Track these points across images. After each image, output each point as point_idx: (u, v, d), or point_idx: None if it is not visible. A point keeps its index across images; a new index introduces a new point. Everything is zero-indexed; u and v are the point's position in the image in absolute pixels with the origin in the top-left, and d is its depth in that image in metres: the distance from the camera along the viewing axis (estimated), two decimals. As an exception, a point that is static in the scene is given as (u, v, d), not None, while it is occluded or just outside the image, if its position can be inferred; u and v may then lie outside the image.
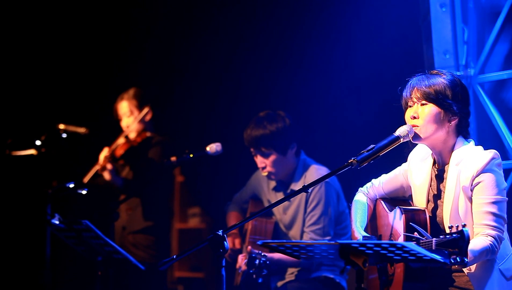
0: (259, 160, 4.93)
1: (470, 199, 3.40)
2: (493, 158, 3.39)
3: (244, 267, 4.63)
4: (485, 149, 3.47)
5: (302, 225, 4.89)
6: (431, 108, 3.44)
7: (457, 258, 3.02)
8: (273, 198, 5.03)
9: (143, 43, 6.78)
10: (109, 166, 5.64)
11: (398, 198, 3.75)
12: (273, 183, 5.06)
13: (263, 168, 4.92)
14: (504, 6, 4.64)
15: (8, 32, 6.70)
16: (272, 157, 4.88)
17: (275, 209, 5.00)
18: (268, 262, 4.41)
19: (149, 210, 5.78)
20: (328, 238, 4.79)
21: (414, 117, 3.47)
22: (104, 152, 5.70)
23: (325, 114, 5.87)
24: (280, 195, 5.00)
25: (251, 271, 4.42)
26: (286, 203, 4.92)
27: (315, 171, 4.90)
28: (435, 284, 3.45)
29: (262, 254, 4.40)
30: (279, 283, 4.93)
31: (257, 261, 4.42)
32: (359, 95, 5.61)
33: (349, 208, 3.77)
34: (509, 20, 4.66)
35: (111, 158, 5.73)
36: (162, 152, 5.75)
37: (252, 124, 4.91)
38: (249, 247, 4.72)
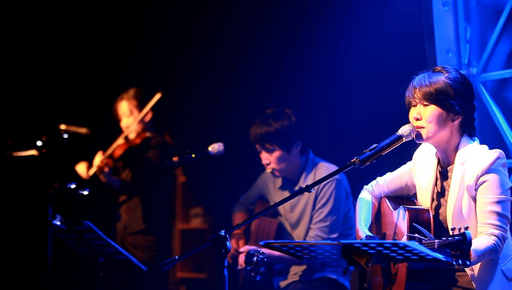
0: (264, 156, 4.92)
1: (474, 199, 3.39)
2: (498, 158, 3.38)
3: (242, 264, 4.60)
4: (488, 148, 3.46)
5: (309, 223, 4.88)
6: (433, 110, 3.43)
7: (459, 261, 3.01)
8: (279, 198, 5.00)
9: (144, 44, 6.77)
10: (106, 168, 5.60)
11: (403, 197, 3.74)
12: (279, 183, 5.05)
13: (267, 164, 4.91)
14: (507, 4, 4.62)
15: (9, 33, 6.70)
16: (276, 154, 4.87)
17: (280, 208, 4.99)
18: (266, 260, 4.38)
19: (148, 210, 5.76)
20: (334, 235, 4.78)
21: (417, 119, 3.46)
22: (99, 155, 5.67)
23: (328, 114, 5.85)
24: (287, 194, 4.97)
25: (248, 268, 4.40)
26: (293, 201, 4.91)
27: (326, 169, 4.89)
28: (437, 284, 3.44)
29: (261, 251, 4.37)
30: (282, 284, 4.91)
31: (254, 258, 4.39)
32: (362, 94, 5.59)
33: (354, 206, 3.76)
34: (512, 18, 4.65)
35: (110, 159, 5.71)
36: (161, 153, 5.74)
37: (258, 120, 4.91)
38: (247, 246, 4.71)
